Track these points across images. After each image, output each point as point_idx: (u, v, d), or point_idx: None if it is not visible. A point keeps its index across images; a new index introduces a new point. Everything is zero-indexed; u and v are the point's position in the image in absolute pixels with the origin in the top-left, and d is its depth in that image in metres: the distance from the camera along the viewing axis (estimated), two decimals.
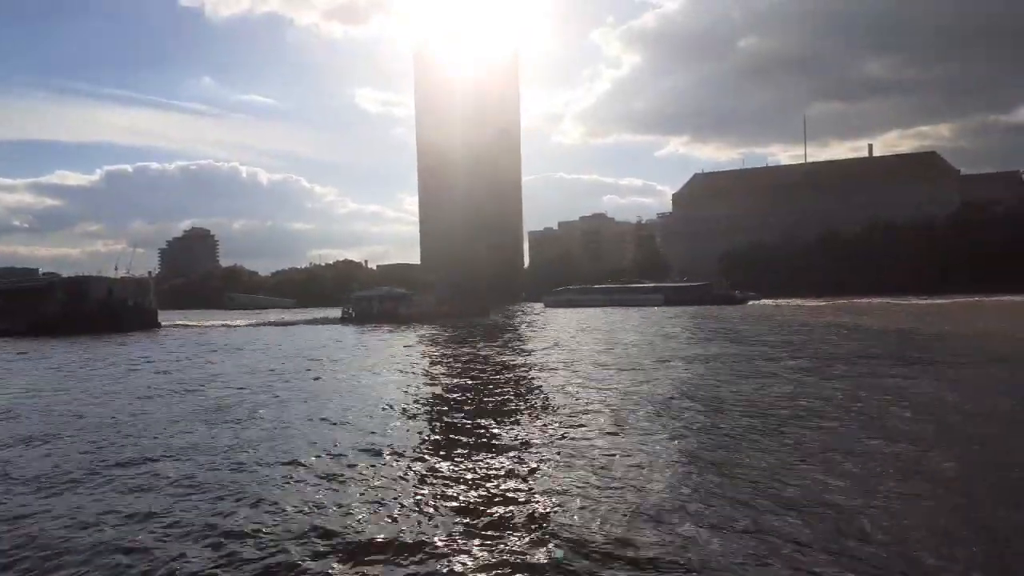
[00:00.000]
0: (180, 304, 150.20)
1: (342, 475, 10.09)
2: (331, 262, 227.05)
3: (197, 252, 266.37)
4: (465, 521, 7.88)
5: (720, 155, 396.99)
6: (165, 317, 72.92)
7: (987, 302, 71.56)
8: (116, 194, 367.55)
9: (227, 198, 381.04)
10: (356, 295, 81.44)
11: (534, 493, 8.90)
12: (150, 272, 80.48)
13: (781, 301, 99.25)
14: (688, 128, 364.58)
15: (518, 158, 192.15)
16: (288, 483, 9.85)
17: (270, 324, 71.29)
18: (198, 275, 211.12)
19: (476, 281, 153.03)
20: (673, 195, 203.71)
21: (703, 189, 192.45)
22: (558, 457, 10.74)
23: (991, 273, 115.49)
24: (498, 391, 18.44)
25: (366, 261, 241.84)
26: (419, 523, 7.93)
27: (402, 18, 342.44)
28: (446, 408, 16.13)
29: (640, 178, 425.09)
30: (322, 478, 9.94)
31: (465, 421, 14.12)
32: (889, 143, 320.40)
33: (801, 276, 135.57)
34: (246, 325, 70.60)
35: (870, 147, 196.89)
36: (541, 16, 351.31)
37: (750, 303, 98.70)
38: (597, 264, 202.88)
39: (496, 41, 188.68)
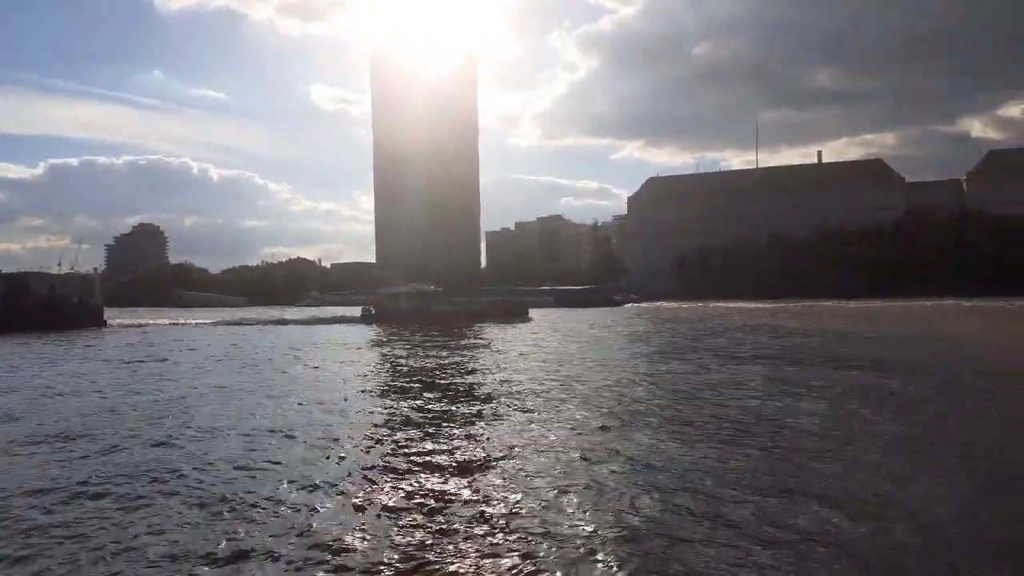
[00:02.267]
0: (127, 302, 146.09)
1: None
2: (284, 260, 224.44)
3: (145, 249, 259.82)
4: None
5: (674, 159, 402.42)
6: (112, 315, 70.90)
7: (929, 306, 74.03)
8: (60, 188, 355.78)
9: (177, 194, 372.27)
10: (381, 291, 76.74)
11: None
12: (96, 268, 77.73)
13: (664, 304, 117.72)
14: (643, 132, 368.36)
15: (476, 158, 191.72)
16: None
17: (271, 323, 66.75)
18: (146, 272, 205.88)
19: (433, 280, 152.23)
20: (629, 198, 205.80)
21: (658, 192, 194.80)
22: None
23: (933, 278, 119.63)
24: None
25: (320, 259, 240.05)
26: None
27: (359, 16, 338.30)
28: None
29: (596, 181, 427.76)
30: None
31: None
32: (837, 150, 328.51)
33: (752, 278, 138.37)
34: (256, 323, 66.07)
35: (819, 154, 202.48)
36: (499, 18, 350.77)
37: (627, 305, 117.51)
38: (554, 265, 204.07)
39: (454, 42, 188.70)
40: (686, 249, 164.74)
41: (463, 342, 37.47)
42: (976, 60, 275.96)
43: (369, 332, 49.70)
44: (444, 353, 30.26)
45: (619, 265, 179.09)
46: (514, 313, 69.91)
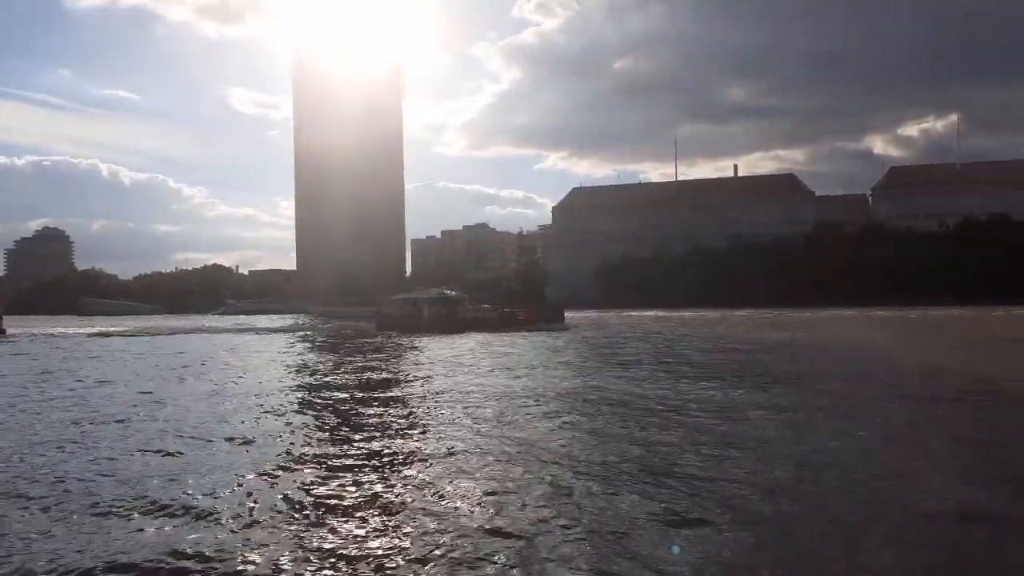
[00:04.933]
0: (27, 309, 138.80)
1: None
2: (199, 267, 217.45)
3: (49, 254, 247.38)
4: None
5: (597, 170, 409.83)
6: (9, 323, 66.86)
7: (839, 315, 77.09)
8: None
9: (85, 197, 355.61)
10: (399, 297, 68.02)
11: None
12: None
13: (576, 313, 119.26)
14: (567, 143, 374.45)
15: (401, 166, 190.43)
16: None
17: (252, 331, 62.75)
18: (50, 278, 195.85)
19: (357, 289, 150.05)
20: (553, 208, 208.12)
21: (581, 203, 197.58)
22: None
23: (840, 289, 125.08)
24: None
25: (237, 266, 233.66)
26: None
27: (279, 20, 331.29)
28: None
29: (522, 190, 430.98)
30: None
31: None
32: (751, 164, 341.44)
33: (671, 288, 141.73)
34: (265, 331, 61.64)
35: (735, 167, 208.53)
36: (424, 27, 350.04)
37: None
38: (480, 273, 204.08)
39: (379, 49, 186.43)
40: (608, 258, 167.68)
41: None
42: (877, 81, 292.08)
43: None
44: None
45: (543, 273, 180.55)
46: (551, 319, 63.34)
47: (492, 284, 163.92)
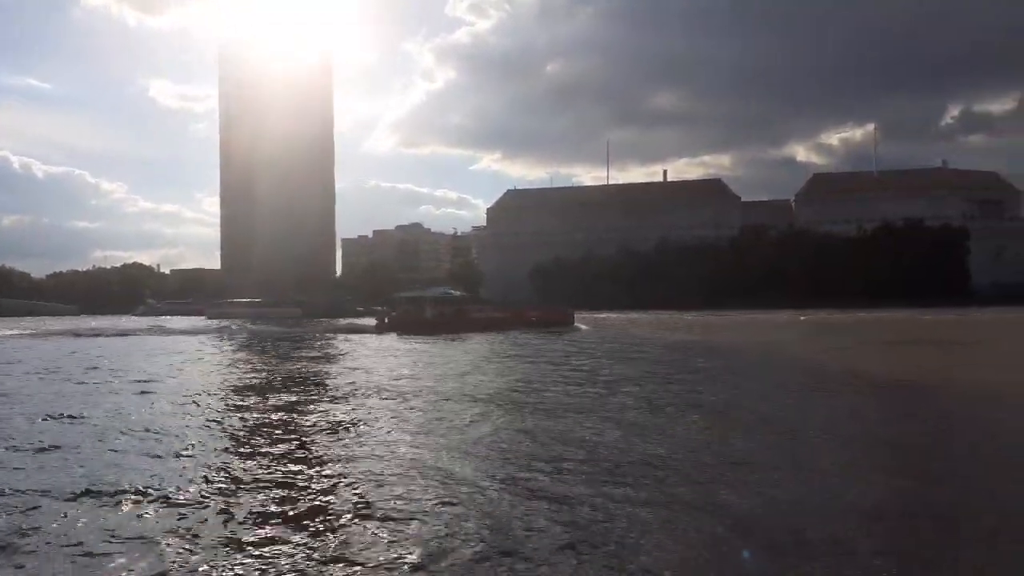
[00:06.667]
0: None
1: None
2: (118, 265, 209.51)
3: None
4: None
5: (530, 173, 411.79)
6: None
7: (754, 318, 78.74)
8: None
9: None
10: (402, 296, 65.27)
11: None
12: None
13: None
14: (501, 145, 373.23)
15: (331, 163, 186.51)
16: None
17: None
18: None
19: (284, 289, 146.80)
20: (487, 209, 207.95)
21: (515, 205, 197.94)
22: None
23: (764, 291, 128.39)
24: None
25: (158, 265, 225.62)
26: None
27: (203, 10, 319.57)
28: None
29: (455, 191, 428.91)
30: None
31: None
32: (680, 169, 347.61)
33: (601, 290, 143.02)
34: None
35: (664, 172, 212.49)
36: (354, 21, 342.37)
37: None
38: (413, 273, 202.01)
39: (308, 43, 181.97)
40: (541, 260, 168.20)
41: None
42: (799, 90, 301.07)
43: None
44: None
45: (478, 275, 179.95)
46: (561, 321, 60.48)
47: (427, 285, 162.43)
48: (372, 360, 30.82)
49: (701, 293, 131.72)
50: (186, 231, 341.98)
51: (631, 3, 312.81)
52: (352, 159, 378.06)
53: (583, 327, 57.61)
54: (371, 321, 64.86)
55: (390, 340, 45.53)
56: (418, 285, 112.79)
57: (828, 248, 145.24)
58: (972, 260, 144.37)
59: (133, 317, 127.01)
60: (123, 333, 61.52)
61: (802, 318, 75.35)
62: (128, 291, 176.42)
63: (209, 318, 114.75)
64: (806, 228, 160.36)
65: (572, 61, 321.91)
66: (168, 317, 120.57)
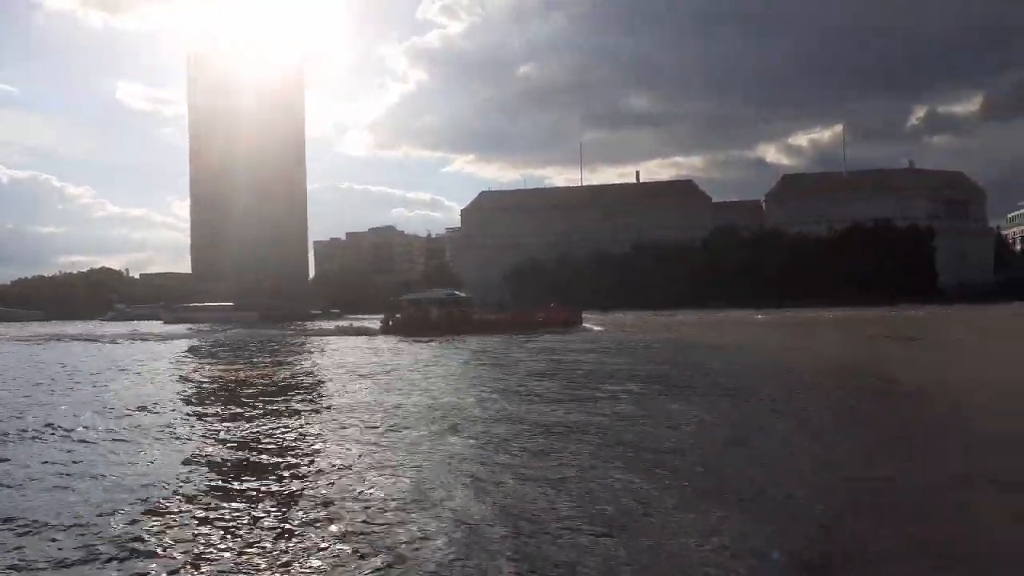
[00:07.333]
0: None
1: None
2: (85, 270, 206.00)
3: None
4: None
5: (503, 175, 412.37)
6: None
7: (726, 317, 79.33)
8: None
9: None
10: (406, 298, 63.44)
11: None
12: None
13: None
14: (474, 147, 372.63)
15: (303, 164, 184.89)
16: None
17: None
18: None
19: (255, 292, 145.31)
20: (461, 211, 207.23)
21: (489, 206, 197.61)
22: None
23: (736, 291, 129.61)
24: None
25: (127, 270, 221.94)
26: None
27: (171, 12, 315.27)
28: None
29: (429, 193, 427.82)
30: None
31: None
32: (651, 171, 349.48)
33: (575, 291, 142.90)
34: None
35: (637, 174, 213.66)
36: (325, 23, 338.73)
37: None
38: (387, 276, 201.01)
39: (280, 43, 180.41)
40: (516, 262, 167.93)
41: None
42: (768, 92, 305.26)
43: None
44: None
45: (452, 277, 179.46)
46: (570, 322, 58.60)
47: (402, 288, 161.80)
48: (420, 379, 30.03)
49: (676, 294, 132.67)
50: (155, 235, 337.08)
51: (603, 6, 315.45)
52: (324, 161, 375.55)
53: (595, 328, 55.99)
54: (330, 324, 63.43)
55: (404, 344, 43.69)
56: (404, 288, 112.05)
57: (799, 248, 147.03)
58: (938, 259, 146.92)
59: (104, 322, 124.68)
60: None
61: (758, 316, 76.42)
62: (96, 296, 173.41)
63: (166, 323, 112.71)
64: (777, 228, 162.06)
65: (544, 64, 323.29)
66: (137, 322, 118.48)
